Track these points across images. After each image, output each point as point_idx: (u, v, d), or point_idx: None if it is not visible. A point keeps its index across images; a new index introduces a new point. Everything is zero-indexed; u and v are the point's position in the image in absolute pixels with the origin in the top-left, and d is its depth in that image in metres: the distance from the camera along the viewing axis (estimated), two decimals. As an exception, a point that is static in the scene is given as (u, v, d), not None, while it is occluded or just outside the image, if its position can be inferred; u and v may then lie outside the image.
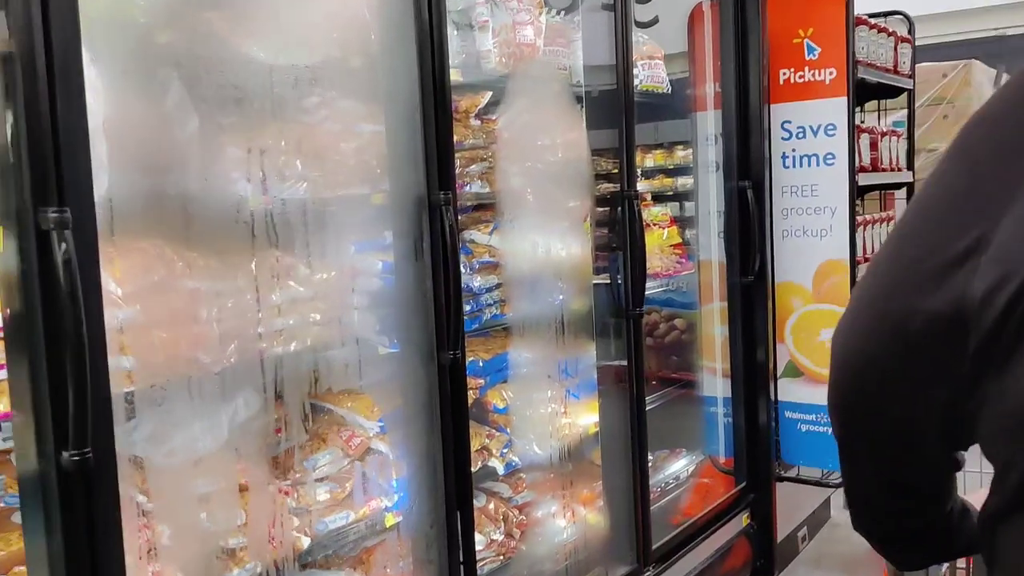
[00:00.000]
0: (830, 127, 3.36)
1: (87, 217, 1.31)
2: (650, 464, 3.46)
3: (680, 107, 3.55)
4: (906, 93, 4.04)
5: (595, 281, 2.70)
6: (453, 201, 1.96)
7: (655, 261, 3.30)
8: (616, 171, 2.66)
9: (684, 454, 3.55)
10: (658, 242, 3.33)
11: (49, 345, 1.26)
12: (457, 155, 2.30)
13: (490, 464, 2.43)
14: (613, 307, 2.67)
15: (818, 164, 3.40)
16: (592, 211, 2.66)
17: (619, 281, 2.65)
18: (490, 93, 2.53)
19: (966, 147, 0.70)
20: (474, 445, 2.36)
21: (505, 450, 2.44)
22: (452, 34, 2.39)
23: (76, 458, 1.27)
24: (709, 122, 3.46)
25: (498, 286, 2.42)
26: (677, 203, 4.12)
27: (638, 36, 3.41)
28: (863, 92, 3.83)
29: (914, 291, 0.67)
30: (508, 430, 2.48)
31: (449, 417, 1.98)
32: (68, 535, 1.30)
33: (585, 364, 2.71)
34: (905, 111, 4.14)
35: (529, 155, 2.53)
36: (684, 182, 3.98)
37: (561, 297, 2.60)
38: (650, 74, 3.22)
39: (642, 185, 3.38)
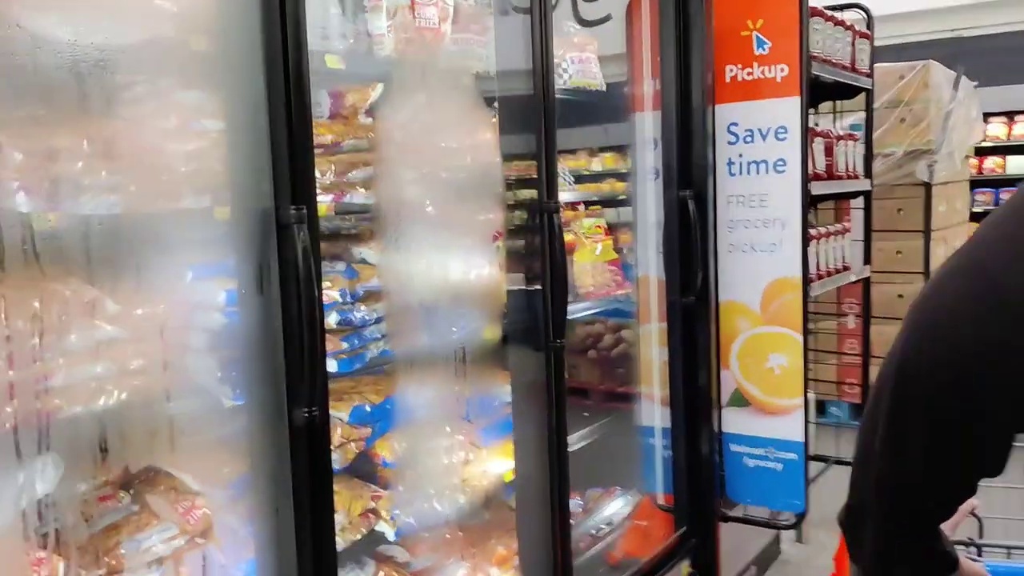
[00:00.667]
0: (781, 130, 3.01)
1: None
2: (582, 507, 3.10)
3: (620, 108, 3.18)
4: (864, 93, 3.72)
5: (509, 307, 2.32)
6: (311, 218, 1.56)
7: (587, 279, 2.94)
8: (535, 178, 2.28)
9: (619, 493, 3.19)
10: (590, 258, 2.96)
11: None
12: (334, 159, 1.91)
13: (378, 529, 2.03)
14: (531, 337, 2.29)
15: (768, 171, 3.06)
16: (505, 226, 2.28)
17: (537, 308, 2.27)
18: (381, 86, 2.14)
19: None
20: (357, 508, 1.97)
21: (397, 511, 2.05)
22: (332, 12, 1.99)
23: None
24: (647, 125, 3.10)
25: (382, 318, 2.02)
26: (616, 213, 3.75)
27: (569, 27, 3.04)
28: (818, 92, 3.50)
29: None
30: (400, 487, 2.09)
31: (306, 489, 1.58)
32: None
33: (497, 403, 2.33)
34: (863, 113, 3.82)
35: (428, 160, 2.14)
36: (621, 189, 3.61)
37: (466, 327, 2.22)
38: (580, 69, 2.85)
39: (572, 194, 3.00)
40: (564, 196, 2.89)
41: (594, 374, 3.67)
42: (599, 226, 3.03)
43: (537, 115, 2.22)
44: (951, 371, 0.83)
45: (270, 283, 1.55)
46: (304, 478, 1.58)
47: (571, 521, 2.44)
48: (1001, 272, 0.80)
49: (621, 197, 3.32)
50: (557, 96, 2.62)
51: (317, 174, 1.77)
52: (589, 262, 2.95)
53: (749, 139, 3.07)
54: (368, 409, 2.05)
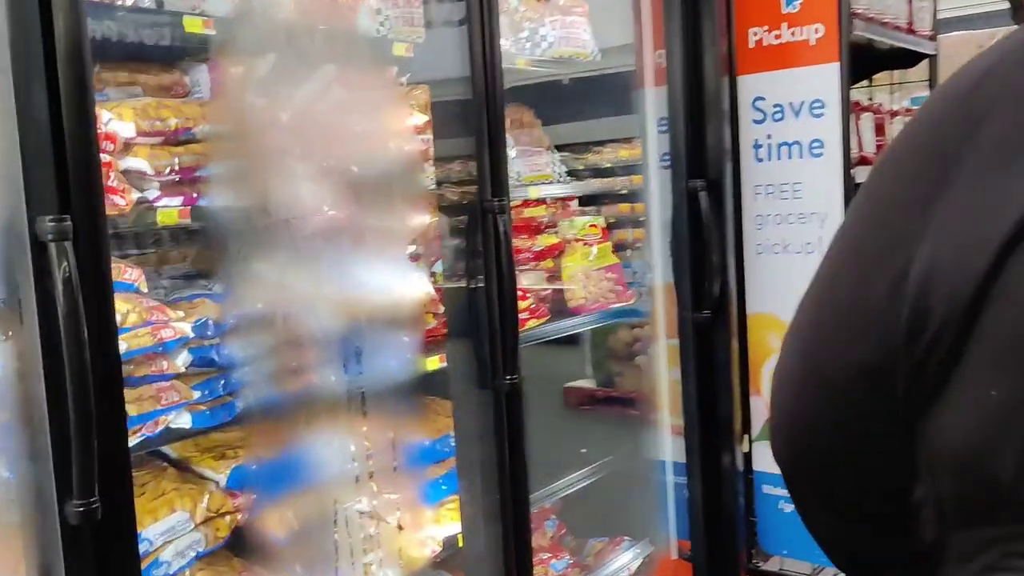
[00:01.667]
0: (816, 104, 2.45)
1: None
2: (584, 557, 2.62)
3: (623, 84, 2.66)
4: (927, 61, 3.12)
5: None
6: (98, 233, 1.12)
7: (578, 290, 2.44)
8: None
9: (627, 544, 2.68)
10: (581, 263, 2.46)
11: None
12: (181, 149, 1.46)
13: (264, 623, 1.59)
14: (477, 371, 1.81)
15: (802, 155, 2.50)
16: (441, 232, 1.81)
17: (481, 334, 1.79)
18: (273, 57, 1.68)
19: (884, 167, 0.63)
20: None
21: (291, 599, 1.60)
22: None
23: None
24: (655, 103, 2.58)
25: (264, 353, 1.57)
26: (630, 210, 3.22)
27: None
28: (868, 60, 2.91)
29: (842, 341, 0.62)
30: (298, 568, 1.64)
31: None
32: None
33: (446, 450, 1.87)
34: (927, 84, 3.21)
35: (332, 151, 1.68)
36: (639, 183, 3.09)
37: (393, 357, 1.75)
38: (564, 35, 2.35)
39: (562, 188, 2.50)
40: (552, 191, 2.40)
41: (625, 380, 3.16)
42: (594, 225, 2.53)
43: (477, 91, 1.73)
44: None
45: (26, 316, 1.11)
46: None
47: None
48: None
49: (622, 191, 2.79)
50: (533, 69, 2.14)
51: (146, 168, 1.34)
52: (581, 268, 2.45)
53: (778, 116, 2.52)
54: (253, 468, 1.60)
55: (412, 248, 1.86)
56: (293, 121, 1.66)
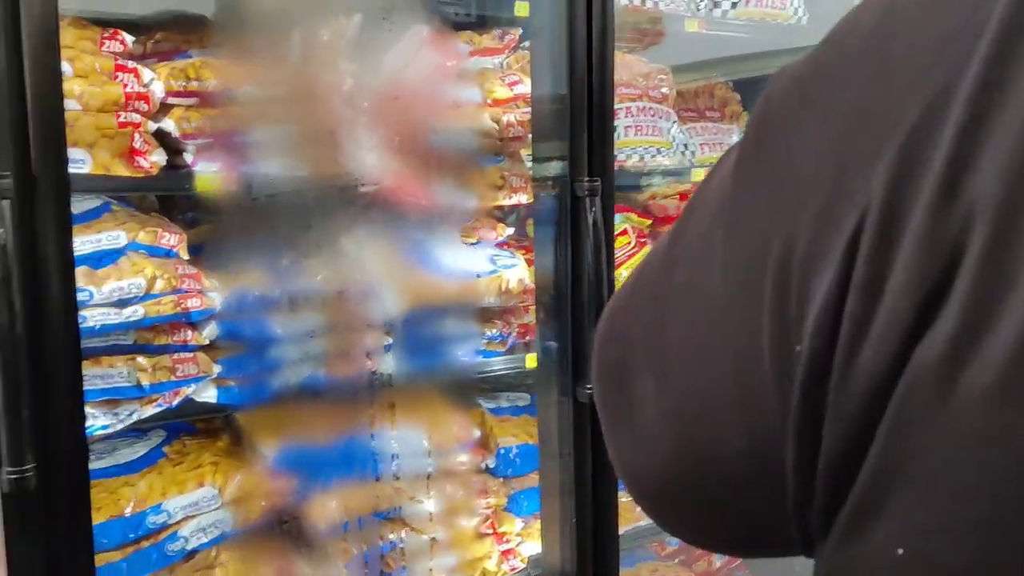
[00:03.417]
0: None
1: None
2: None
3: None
4: None
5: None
6: (57, 195, 1.08)
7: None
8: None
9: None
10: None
11: None
12: (226, 110, 1.40)
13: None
14: (560, 374, 1.59)
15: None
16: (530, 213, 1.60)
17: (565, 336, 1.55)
18: (360, 17, 1.57)
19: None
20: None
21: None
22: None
23: None
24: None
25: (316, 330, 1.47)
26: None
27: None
28: None
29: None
30: (341, 565, 1.54)
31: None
32: None
33: (508, 461, 1.67)
34: None
35: (410, 117, 1.53)
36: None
37: (459, 350, 1.58)
38: (755, -8, 2.00)
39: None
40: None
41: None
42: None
43: (577, 39, 1.48)
44: None
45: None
46: None
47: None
48: None
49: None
50: (709, 33, 1.86)
51: (173, 129, 1.29)
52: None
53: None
54: (300, 451, 1.52)
55: (506, 231, 1.67)
56: (376, 86, 1.54)
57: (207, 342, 1.42)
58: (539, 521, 1.72)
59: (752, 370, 0.41)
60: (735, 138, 2.19)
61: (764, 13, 2.00)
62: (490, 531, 1.71)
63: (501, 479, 1.75)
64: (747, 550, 0.59)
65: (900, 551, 0.34)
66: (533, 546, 1.71)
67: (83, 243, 1.29)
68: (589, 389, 1.53)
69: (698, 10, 1.95)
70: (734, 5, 1.97)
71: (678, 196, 2.12)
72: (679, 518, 0.53)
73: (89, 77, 1.31)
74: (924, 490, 0.33)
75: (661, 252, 0.50)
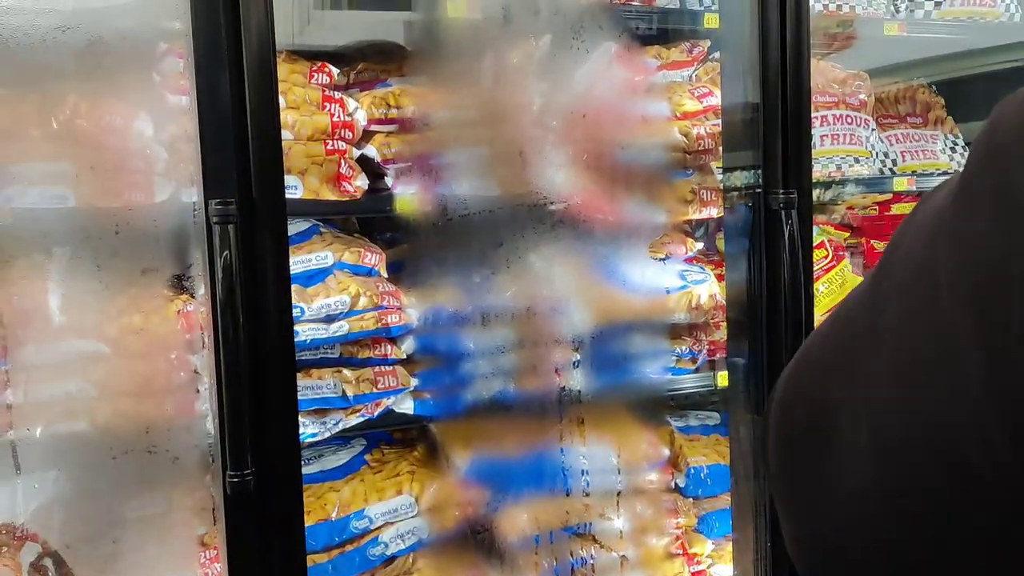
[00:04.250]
0: None
1: None
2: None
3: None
4: None
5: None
6: (275, 219, 1.17)
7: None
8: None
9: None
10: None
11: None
12: (389, 137, 1.46)
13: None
14: (752, 391, 1.54)
15: None
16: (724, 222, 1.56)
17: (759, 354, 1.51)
18: (549, 37, 1.59)
19: None
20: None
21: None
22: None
23: None
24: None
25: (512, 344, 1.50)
26: None
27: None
28: None
29: None
30: None
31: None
32: None
33: (699, 482, 1.63)
34: None
35: (600, 134, 1.54)
36: None
37: (650, 367, 1.57)
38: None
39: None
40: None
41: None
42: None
43: (770, 44, 1.45)
44: None
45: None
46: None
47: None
48: None
49: None
50: (911, 36, 1.78)
51: (375, 155, 1.36)
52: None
53: None
54: (492, 463, 1.55)
55: (696, 246, 1.64)
56: (566, 105, 1.56)
57: (405, 356, 1.48)
58: (731, 544, 1.67)
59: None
60: (940, 145, 2.05)
61: (972, 12, 1.87)
62: (680, 552, 1.68)
63: (691, 499, 1.72)
64: None
65: None
66: (725, 569, 1.67)
67: (295, 263, 1.38)
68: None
69: (897, 12, 1.85)
70: (938, 5, 1.85)
71: (877, 207, 2.01)
72: None
73: (300, 108, 1.41)
74: None
75: (860, 295, 0.47)
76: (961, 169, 0.41)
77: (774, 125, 1.47)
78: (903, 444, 0.41)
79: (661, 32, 1.85)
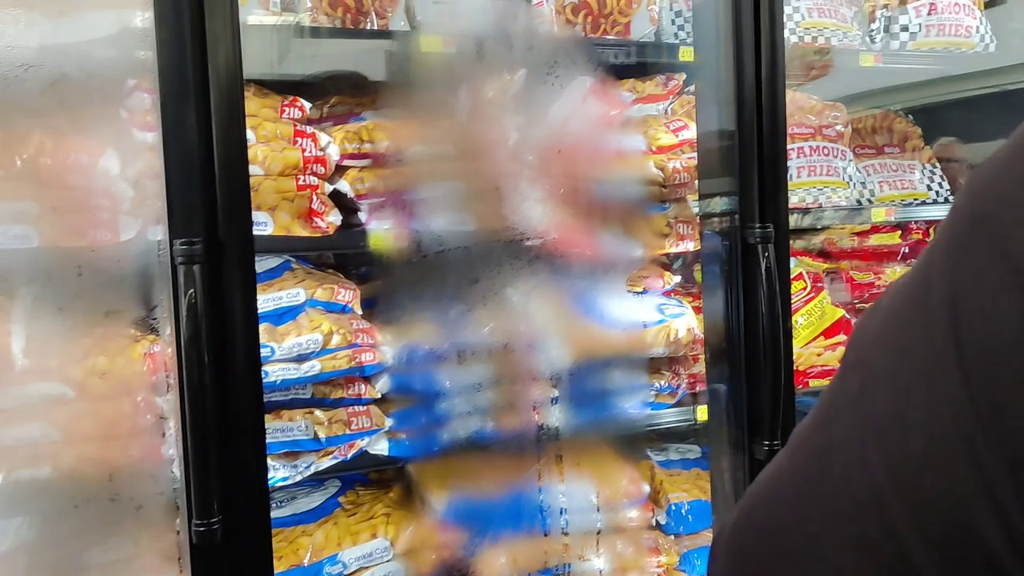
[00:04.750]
0: None
1: None
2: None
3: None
4: None
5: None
6: (244, 258, 1.14)
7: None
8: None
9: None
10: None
11: None
12: (398, 170, 1.45)
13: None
14: (732, 426, 1.52)
15: None
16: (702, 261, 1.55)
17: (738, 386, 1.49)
18: (524, 72, 1.58)
19: None
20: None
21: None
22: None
23: None
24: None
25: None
26: None
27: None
28: None
29: None
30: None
31: None
32: None
33: (681, 518, 1.61)
34: None
35: (575, 169, 1.53)
36: None
37: (629, 402, 1.55)
38: (935, 21, 1.89)
39: (938, 211, 1.98)
40: (927, 213, 1.97)
41: None
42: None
43: (745, 79, 1.44)
44: None
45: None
46: None
47: None
48: None
49: None
50: (885, 67, 1.79)
51: (348, 190, 1.35)
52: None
53: None
54: (469, 503, 1.52)
55: (673, 280, 1.63)
56: (541, 139, 1.55)
57: (379, 395, 1.45)
58: (714, 582, 1.64)
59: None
60: (917, 174, 2.06)
61: (948, 42, 1.88)
62: (662, 591, 1.65)
63: (673, 536, 1.69)
64: None
65: None
66: (708, 609, 1.64)
67: (265, 301, 1.35)
68: (766, 445, 1.45)
69: (873, 43, 1.86)
70: (913, 36, 1.86)
71: (856, 238, 2.01)
72: None
73: (271, 143, 1.39)
74: None
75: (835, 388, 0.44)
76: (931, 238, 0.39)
77: (750, 161, 1.46)
78: None
79: (638, 65, 1.85)
